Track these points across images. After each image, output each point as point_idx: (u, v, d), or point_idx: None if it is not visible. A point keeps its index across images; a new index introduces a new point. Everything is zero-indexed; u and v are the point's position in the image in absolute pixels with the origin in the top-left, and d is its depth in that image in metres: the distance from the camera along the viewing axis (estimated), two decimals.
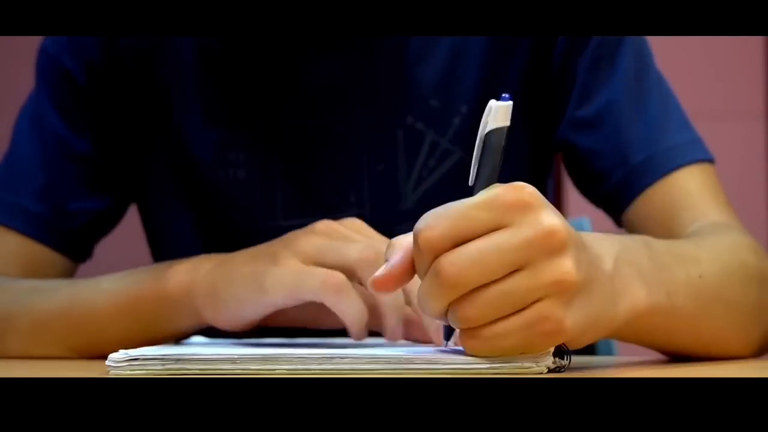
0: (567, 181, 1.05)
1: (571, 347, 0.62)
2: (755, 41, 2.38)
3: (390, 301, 0.75)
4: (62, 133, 1.02)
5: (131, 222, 1.09)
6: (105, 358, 0.63)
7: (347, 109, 0.98)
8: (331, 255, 0.74)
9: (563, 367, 0.61)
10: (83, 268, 1.05)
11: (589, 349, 1.17)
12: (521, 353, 0.59)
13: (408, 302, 0.76)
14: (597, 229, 1.05)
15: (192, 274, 0.81)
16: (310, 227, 0.78)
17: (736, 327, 0.76)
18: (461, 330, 0.60)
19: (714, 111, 2.32)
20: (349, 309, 0.73)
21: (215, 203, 1.01)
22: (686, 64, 2.28)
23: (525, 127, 1.00)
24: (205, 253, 0.84)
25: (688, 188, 0.94)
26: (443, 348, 0.65)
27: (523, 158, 1.01)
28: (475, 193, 0.60)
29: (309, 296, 0.74)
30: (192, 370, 0.61)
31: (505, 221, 0.58)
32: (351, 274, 0.74)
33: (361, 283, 0.74)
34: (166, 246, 1.06)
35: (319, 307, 0.75)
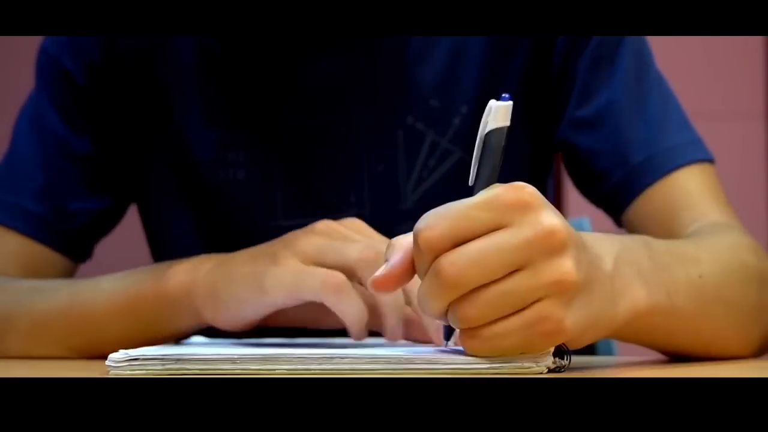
0: (567, 181, 1.05)
1: (571, 347, 0.62)
2: (755, 41, 2.38)
3: (390, 302, 0.75)
4: (62, 133, 1.02)
5: (131, 222, 1.09)
6: (105, 358, 0.63)
7: (347, 109, 0.98)
8: (331, 255, 0.74)
9: (563, 367, 0.61)
10: (83, 268, 1.05)
11: (589, 349, 1.17)
12: (521, 353, 0.59)
13: (408, 302, 0.76)
14: (597, 229, 1.05)
15: (192, 274, 0.81)
16: (310, 227, 0.78)
17: (736, 327, 0.76)
18: (461, 330, 0.60)
19: (714, 111, 2.32)
20: (349, 309, 0.74)
21: (215, 203, 1.01)
22: (686, 64, 2.28)
23: (525, 127, 1.00)
24: (205, 254, 0.84)
25: (688, 188, 0.94)
26: (443, 348, 0.65)
27: (523, 158, 1.01)
28: (475, 193, 0.60)
29: (309, 296, 0.74)
30: (192, 370, 0.61)
31: (505, 221, 0.58)
32: (351, 274, 0.74)
33: (361, 283, 0.74)
34: (166, 246, 1.06)
35: (319, 307, 0.75)
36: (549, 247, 0.58)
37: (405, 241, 0.61)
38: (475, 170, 0.62)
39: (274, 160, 0.99)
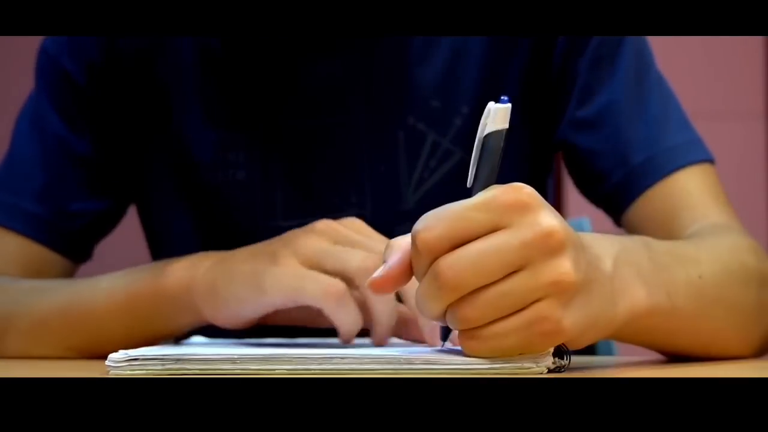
0: (567, 181, 1.05)
1: (571, 347, 0.62)
2: (755, 41, 2.38)
3: (383, 309, 0.75)
4: (62, 134, 1.02)
5: (131, 222, 1.09)
6: (105, 357, 0.63)
7: (348, 109, 0.98)
8: (331, 261, 0.74)
9: (563, 367, 0.61)
10: (83, 268, 1.05)
11: (589, 349, 1.17)
12: (520, 354, 0.59)
13: (404, 300, 0.76)
14: (597, 229, 1.05)
15: (191, 271, 0.81)
16: (309, 227, 0.78)
17: (736, 328, 0.76)
18: (460, 331, 0.60)
19: (714, 111, 2.32)
20: (347, 319, 0.74)
21: (215, 204, 1.01)
22: (686, 64, 2.28)
23: (525, 126, 1.00)
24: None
25: (689, 189, 0.93)
26: (442, 348, 0.65)
27: (523, 158, 1.01)
28: (474, 195, 0.60)
29: (309, 302, 0.74)
30: (192, 370, 0.61)
31: (503, 222, 0.58)
32: (349, 281, 0.74)
33: (359, 290, 0.74)
34: (166, 247, 1.06)
35: (318, 309, 0.75)
36: (547, 248, 0.58)
37: (403, 242, 0.61)
38: (474, 172, 0.62)
39: (274, 160, 0.99)
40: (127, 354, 0.62)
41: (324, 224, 0.78)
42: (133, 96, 1.02)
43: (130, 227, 1.11)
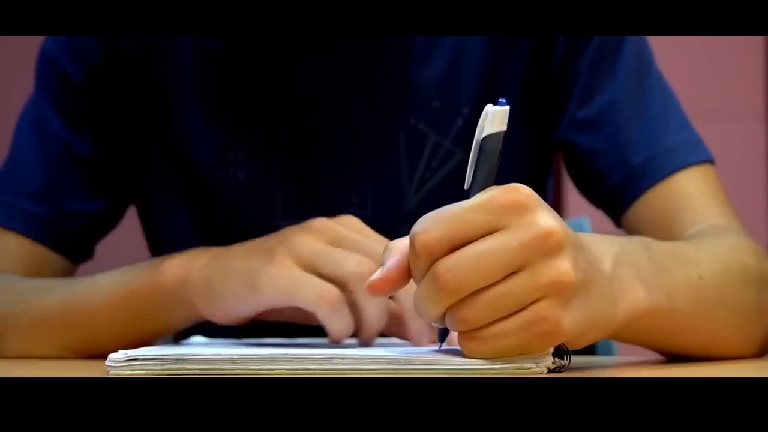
0: (567, 181, 1.04)
1: (571, 348, 0.62)
2: (755, 41, 2.38)
3: (374, 312, 0.75)
4: (62, 134, 1.02)
5: (131, 222, 1.09)
6: (104, 357, 0.63)
7: (348, 110, 0.98)
8: (326, 264, 0.74)
9: (563, 367, 0.61)
10: (83, 268, 1.05)
11: (589, 349, 1.17)
12: (520, 354, 0.59)
13: (394, 298, 0.76)
14: (597, 229, 1.06)
15: (187, 267, 0.81)
16: (306, 224, 0.78)
17: (736, 328, 0.76)
18: (459, 332, 0.60)
19: (714, 111, 2.32)
20: (340, 325, 0.74)
21: (215, 204, 1.01)
22: (686, 64, 2.28)
23: (525, 126, 1.00)
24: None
25: (689, 190, 0.93)
26: (442, 348, 0.65)
27: (523, 158, 1.01)
28: (472, 197, 0.60)
29: (302, 305, 0.74)
30: (192, 370, 0.61)
31: (501, 223, 0.58)
32: (343, 286, 0.74)
33: (352, 295, 0.74)
34: (166, 247, 1.05)
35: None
36: (546, 249, 0.58)
37: (401, 244, 0.61)
38: (471, 174, 0.62)
39: (274, 160, 0.99)
40: (127, 354, 0.62)
41: (321, 223, 0.78)
42: (133, 96, 1.02)
43: (130, 227, 1.11)
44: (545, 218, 0.59)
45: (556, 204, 2.14)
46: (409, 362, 0.61)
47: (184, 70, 1.00)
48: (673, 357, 0.74)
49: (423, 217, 0.60)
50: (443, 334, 0.65)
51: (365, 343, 0.76)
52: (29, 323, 0.89)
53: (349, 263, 0.74)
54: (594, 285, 0.61)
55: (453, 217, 0.59)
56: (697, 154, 0.95)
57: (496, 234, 0.58)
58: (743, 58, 2.37)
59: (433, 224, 0.59)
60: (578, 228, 1.31)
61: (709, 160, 0.96)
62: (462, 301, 0.58)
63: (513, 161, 0.98)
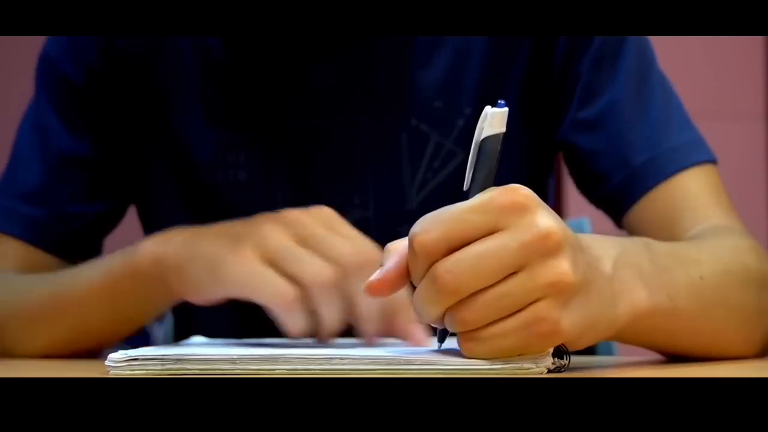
0: (567, 181, 1.04)
1: (571, 348, 0.62)
2: (755, 41, 2.38)
3: (329, 315, 0.75)
4: (62, 136, 1.02)
5: (131, 222, 1.09)
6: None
7: (349, 110, 0.98)
8: (288, 265, 0.74)
9: (563, 367, 0.61)
10: None
11: (589, 350, 1.17)
12: (519, 354, 0.59)
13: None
14: (598, 229, 1.05)
15: (163, 246, 0.82)
16: (279, 215, 0.78)
17: (736, 329, 0.76)
18: (459, 333, 0.60)
19: (714, 111, 2.32)
20: (293, 325, 0.74)
21: (215, 204, 1.01)
22: (686, 64, 2.28)
23: (526, 126, 1.00)
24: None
25: (691, 191, 0.93)
26: (441, 348, 0.65)
27: (524, 158, 1.01)
28: (471, 198, 0.60)
29: (259, 301, 0.75)
30: (191, 370, 0.62)
31: (500, 224, 0.58)
32: (302, 288, 0.74)
33: (311, 299, 0.74)
34: None
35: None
36: (545, 249, 0.58)
37: (400, 245, 0.61)
38: (470, 175, 0.61)
39: (274, 160, 0.99)
40: (127, 354, 0.62)
41: (294, 216, 0.77)
42: (133, 97, 1.02)
43: (130, 227, 1.11)
44: (544, 219, 0.59)
45: (556, 204, 2.14)
46: (408, 362, 0.61)
47: (184, 71, 1.00)
48: (674, 357, 0.74)
49: (422, 218, 0.60)
50: (442, 335, 0.65)
51: (368, 342, 0.76)
52: (21, 320, 0.90)
53: (309, 268, 0.74)
54: (594, 286, 0.61)
55: (452, 218, 0.59)
56: (699, 154, 0.95)
57: (495, 235, 0.58)
58: (743, 58, 2.37)
59: (432, 225, 0.59)
60: (578, 228, 1.31)
61: (712, 160, 0.95)
62: (461, 301, 0.58)
63: (513, 161, 0.98)
